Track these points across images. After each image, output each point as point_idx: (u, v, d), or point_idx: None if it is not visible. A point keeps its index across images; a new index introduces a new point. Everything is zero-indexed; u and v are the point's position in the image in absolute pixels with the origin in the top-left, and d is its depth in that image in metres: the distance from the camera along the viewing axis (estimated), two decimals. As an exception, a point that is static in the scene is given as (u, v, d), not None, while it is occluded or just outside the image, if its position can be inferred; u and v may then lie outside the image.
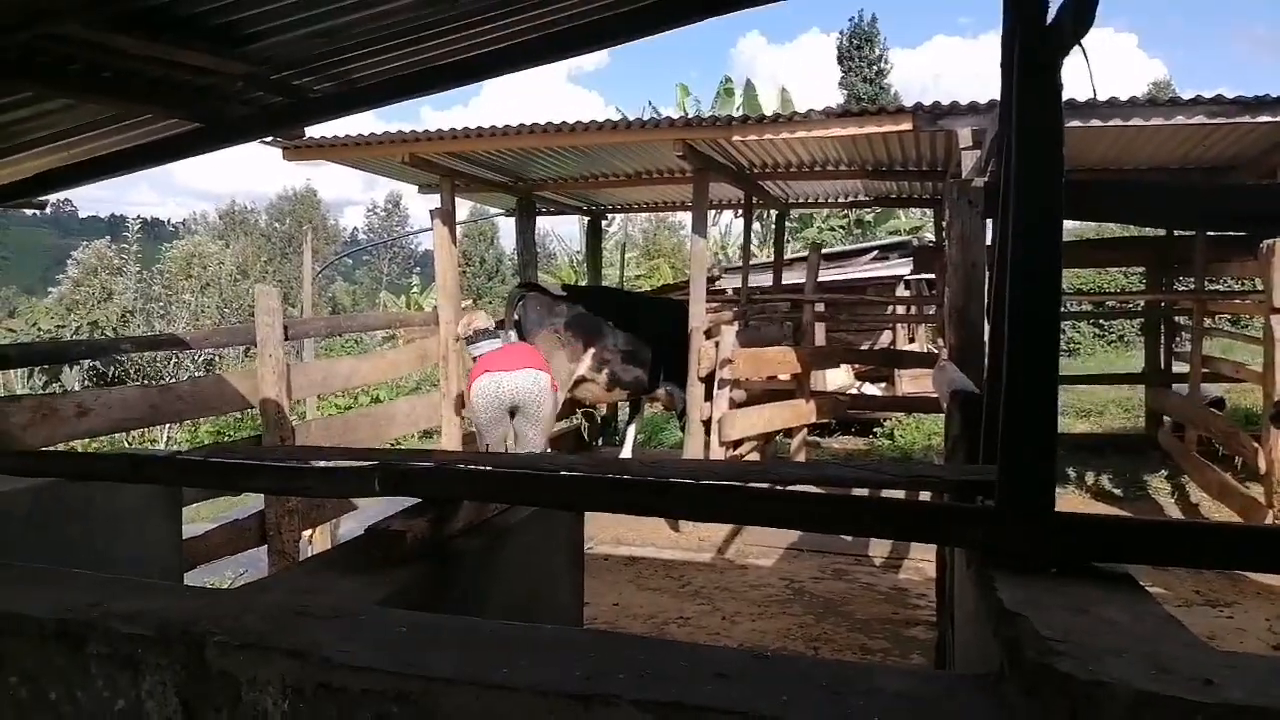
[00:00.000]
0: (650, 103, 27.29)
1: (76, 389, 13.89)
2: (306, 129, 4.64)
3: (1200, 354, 7.90)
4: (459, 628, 1.41)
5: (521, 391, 5.77)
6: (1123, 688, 0.99)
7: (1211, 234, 7.77)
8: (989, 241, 3.64)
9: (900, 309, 12.25)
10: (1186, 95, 5.74)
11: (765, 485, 1.96)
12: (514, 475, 1.96)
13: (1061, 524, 1.44)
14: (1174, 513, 7.08)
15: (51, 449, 3.95)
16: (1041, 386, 1.46)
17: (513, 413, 5.80)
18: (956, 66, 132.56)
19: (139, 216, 22.18)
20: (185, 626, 1.40)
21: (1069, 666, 1.05)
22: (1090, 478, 7.97)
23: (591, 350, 7.86)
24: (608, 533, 6.65)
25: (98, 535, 2.71)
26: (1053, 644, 1.11)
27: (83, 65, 2.67)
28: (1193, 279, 8.38)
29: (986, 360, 2.08)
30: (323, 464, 2.28)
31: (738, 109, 20.67)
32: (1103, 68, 1.86)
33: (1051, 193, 1.48)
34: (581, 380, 8.01)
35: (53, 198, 5.77)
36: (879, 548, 6.20)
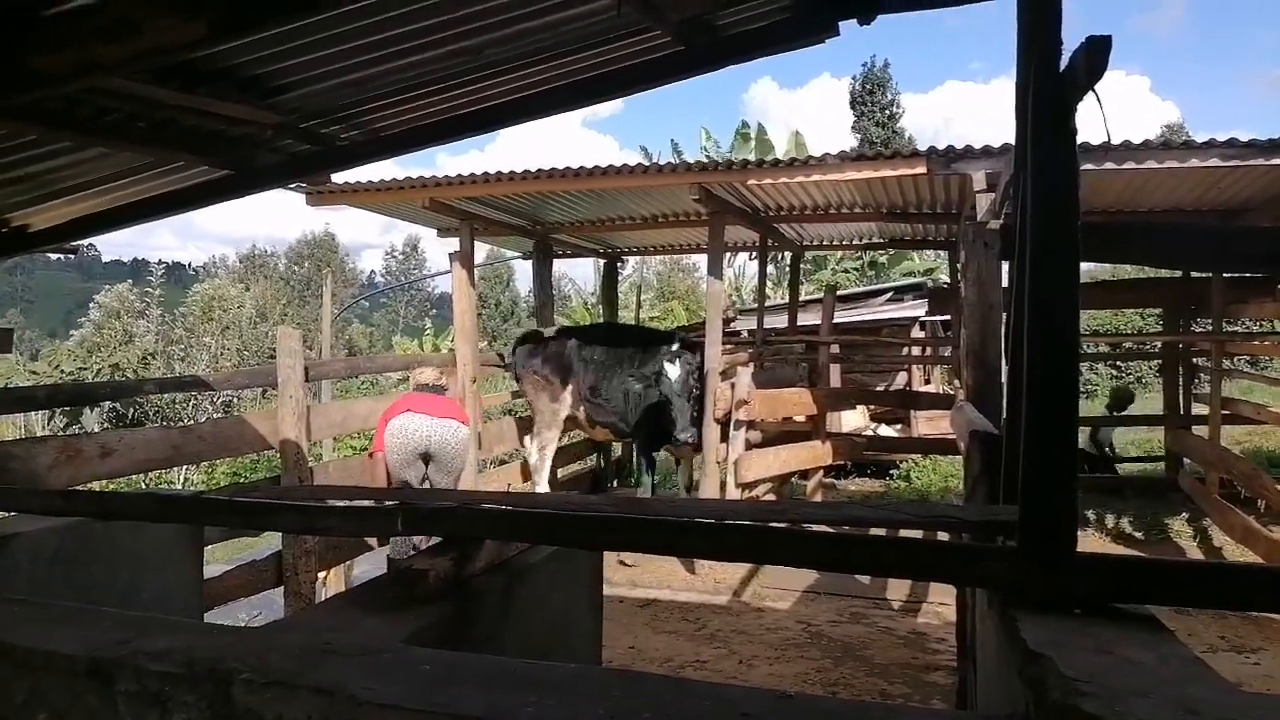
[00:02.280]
0: (674, 141, 27.52)
1: (96, 430, 14.00)
2: (331, 175, 4.74)
3: (1220, 395, 7.84)
4: (483, 666, 1.42)
5: (438, 440, 5.43)
6: (1150, 728, 0.99)
7: (1229, 275, 7.76)
8: (1005, 283, 3.66)
9: (915, 350, 12.23)
10: (1200, 138, 5.75)
11: (787, 525, 1.97)
12: (536, 515, 1.97)
13: (1084, 564, 1.44)
14: (1196, 556, 6.97)
15: (76, 489, 3.99)
16: (1061, 426, 1.47)
17: (426, 460, 5.45)
18: (968, 111, 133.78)
19: (161, 261, 22.60)
20: (213, 664, 1.42)
21: (1095, 708, 1.05)
22: (1110, 520, 7.87)
23: (570, 387, 7.90)
24: (623, 574, 6.61)
25: (121, 574, 2.74)
26: (1078, 685, 1.11)
27: (120, 116, 2.76)
28: (1210, 320, 8.35)
29: (1005, 401, 2.10)
30: (345, 504, 2.30)
31: (752, 152, 20.93)
32: (1115, 111, 1.89)
33: (1068, 235, 1.50)
34: (570, 418, 8.04)
35: (83, 242, 5.92)
36: (897, 591, 6.13)
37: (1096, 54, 1.58)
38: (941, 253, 14.93)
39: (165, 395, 15.75)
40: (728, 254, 13.19)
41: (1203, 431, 8.18)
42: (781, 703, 1.27)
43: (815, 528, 2.33)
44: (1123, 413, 10.04)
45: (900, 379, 12.94)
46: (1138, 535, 7.51)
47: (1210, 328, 8.43)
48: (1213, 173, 6.13)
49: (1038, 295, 1.51)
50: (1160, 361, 10.53)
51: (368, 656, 1.45)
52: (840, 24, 2.53)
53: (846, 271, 22.17)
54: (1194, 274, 8.65)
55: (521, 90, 3.12)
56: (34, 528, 2.64)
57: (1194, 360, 9.27)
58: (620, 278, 14.48)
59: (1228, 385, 8.40)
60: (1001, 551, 1.63)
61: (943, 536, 2.79)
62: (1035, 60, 1.68)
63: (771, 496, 7.98)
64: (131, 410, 16.30)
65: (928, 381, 12.98)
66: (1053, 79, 1.64)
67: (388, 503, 2.11)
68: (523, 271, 41.11)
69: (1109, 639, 1.30)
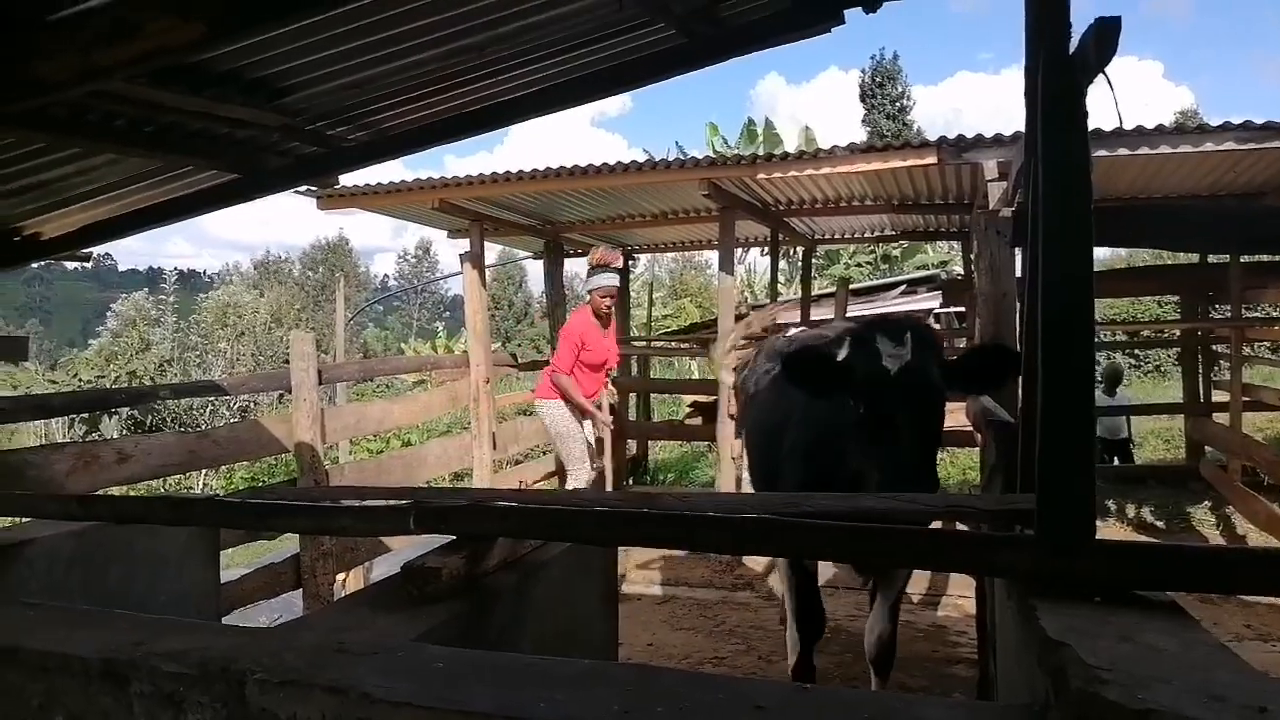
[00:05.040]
0: (677, 143, 27.42)
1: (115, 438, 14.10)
2: (340, 177, 4.75)
3: (1240, 382, 7.75)
4: (496, 662, 1.41)
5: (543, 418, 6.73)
6: (1173, 716, 0.97)
7: (1247, 260, 7.67)
8: (1018, 272, 3.63)
9: (930, 343, 12.15)
10: (1214, 123, 5.68)
11: (802, 518, 1.94)
12: (548, 511, 1.96)
13: (1103, 551, 1.41)
14: (1220, 544, 6.90)
15: (94, 494, 4.01)
16: (1077, 413, 1.44)
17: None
18: (978, 101, 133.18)
19: (176, 269, 22.83)
20: (226, 664, 1.42)
21: (1117, 695, 1.02)
22: (1131, 510, 7.80)
23: None
24: (639, 572, 6.60)
25: (139, 578, 2.75)
26: (1099, 672, 1.08)
27: (126, 121, 2.77)
28: (1228, 306, 8.25)
29: (1020, 389, 2.07)
30: (358, 503, 2.30)
31: (759, 147, 20.86)
32: (1128, 97, 1.87)
33: (1080, 220, 1.48)
34: None
35: (96, 250, 5.96)
36: (916, 584, 6.08)
37: (1106, 36, 1.55)
38: (955, 244, 14.84)
39: (182, 401, 15.86)
40: (739, 250, 13.14)
41: (1223, 419, 8.09)
42: (797, 694, 1.25)
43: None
44: (1115, 390, 9.86)
45: (915, 372, 12.84)
46: (1159, 524, 7.44)
47: (1229, 314, 8.33)
48: (1228, 157, 6.05)
49: (1050, 282, 1.48)
50: (1179, 349, 10.42)
51: (381, 655, 1.44)
52: (846, 12, 2.51)
53: (860, 265, 22.09)
54: (1211, 259, 8.56)
55: (526, 87, 3.12)
56: (51, 532, 2.66)
57: (1213, 347, 9.16)
58: (632, 276, 14.45)
59: (1248, 372, 8.30)
60: (1019, 540, 1.60)
61: (960, 527, 2.77)
62: (1044, 43, 1.65)
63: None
64: (149, 418, 16.44)
65: (943, 374, 12.87)
66: (1062, 62, 1.61)
67: (400, 501, 2.10)
68: (535, 272, 41.21)
69: (1130, 626, 1.27)
